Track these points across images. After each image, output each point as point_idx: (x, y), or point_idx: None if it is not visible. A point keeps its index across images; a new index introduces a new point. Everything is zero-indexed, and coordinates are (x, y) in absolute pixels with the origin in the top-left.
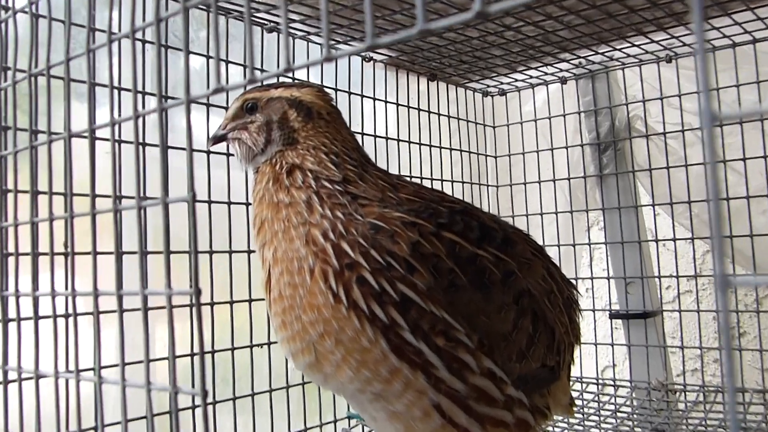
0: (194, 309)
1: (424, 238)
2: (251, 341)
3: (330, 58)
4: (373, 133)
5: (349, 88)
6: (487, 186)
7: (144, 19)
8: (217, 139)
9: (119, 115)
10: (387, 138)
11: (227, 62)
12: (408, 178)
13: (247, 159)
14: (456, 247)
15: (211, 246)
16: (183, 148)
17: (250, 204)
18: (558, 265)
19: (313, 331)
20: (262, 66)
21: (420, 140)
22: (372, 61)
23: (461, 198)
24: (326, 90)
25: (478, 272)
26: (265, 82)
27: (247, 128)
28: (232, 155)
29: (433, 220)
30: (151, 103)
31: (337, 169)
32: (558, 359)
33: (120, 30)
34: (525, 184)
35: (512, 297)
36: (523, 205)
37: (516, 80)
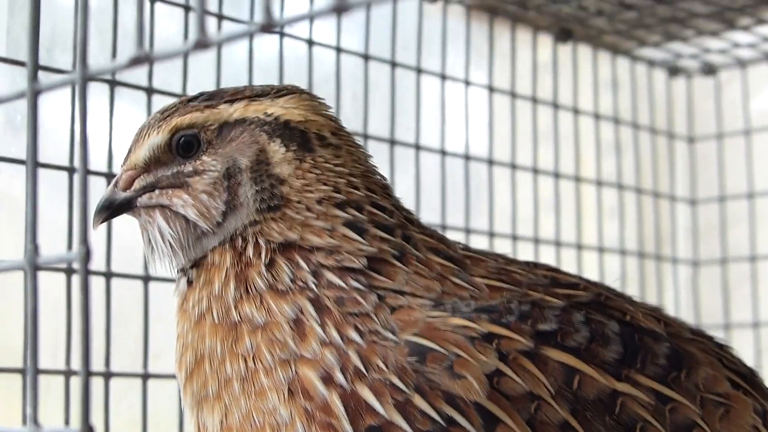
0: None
1: (511, 363)
2: None
3: (342, 8)
4: (440, 147)
5: (393, 56)
6: (675, 262)
7: None
8: (116, 209)
9: None
10: (467, 157)
11: None
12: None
13: (183, 245)
14: (574, 380)
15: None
16: (65, 167)
17: None
18: None
19: None
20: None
21: (536, 163)
22: (442, 2)
23: (594, 280)
24: (318, 96)
25: (619, 428)
26: (231, 89)
27: (186, 185)
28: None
29: (527, 325)
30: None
31: (363, 239)
32: None
33: None
34: (753, 260)
35: None
36: (749, 305)
37: (738, 45)
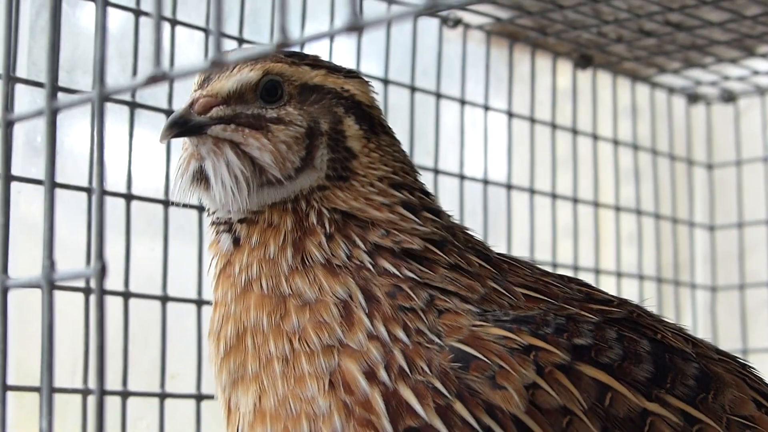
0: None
1: (547, 377)
2: None
3: (357, 26)
4: (458, 172)
5: (413, 81)
6: (693, 287)
7: None
8: (188, 130)
9: None
10: (486, 182)
11: (175, 22)
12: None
13: (249, 184)
14: (606, 397)
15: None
16: (83, 188)
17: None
18: None
19: None
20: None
21: (554, 188)
22: (462, 27)
23: (625, 298)
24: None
25: None
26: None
27: (267, 130)
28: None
29: (563, 338)
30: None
31: (418, 220)
32: None
33: None
34: None
35: None
36: (767, 330)
37: (757, 72)
